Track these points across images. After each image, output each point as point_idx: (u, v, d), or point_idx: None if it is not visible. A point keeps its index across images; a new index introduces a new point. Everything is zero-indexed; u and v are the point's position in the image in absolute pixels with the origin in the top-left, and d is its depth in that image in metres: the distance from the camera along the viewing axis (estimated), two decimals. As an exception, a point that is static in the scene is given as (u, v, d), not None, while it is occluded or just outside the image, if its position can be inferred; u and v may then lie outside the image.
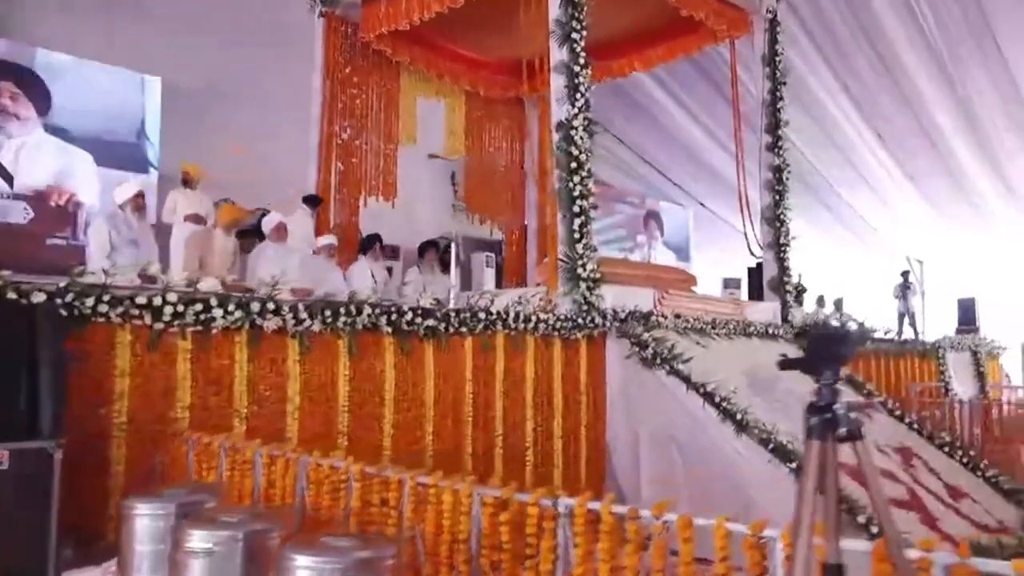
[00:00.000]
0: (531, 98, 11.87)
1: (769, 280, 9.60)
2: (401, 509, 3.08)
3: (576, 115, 7.05)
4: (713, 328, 8.01)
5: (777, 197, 9.60)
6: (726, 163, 12.70)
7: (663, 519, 2.45)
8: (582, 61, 7.15)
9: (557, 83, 7.17)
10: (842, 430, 1.75)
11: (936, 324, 17.35)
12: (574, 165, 6.98)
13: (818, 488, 1.73)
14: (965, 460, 7.82)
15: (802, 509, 1.70)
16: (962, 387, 10.82)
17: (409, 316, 5.38)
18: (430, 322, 5.49)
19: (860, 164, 14.82)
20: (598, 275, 7.02)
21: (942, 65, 12.02)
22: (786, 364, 1.87)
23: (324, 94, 9.56)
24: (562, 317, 6.53)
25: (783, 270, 9.53)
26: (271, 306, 4.69)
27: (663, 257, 17.71)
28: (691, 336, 7.65)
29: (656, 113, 14.85)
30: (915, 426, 8.14)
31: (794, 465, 5.89)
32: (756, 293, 15.14)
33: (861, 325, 12.31)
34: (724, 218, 17.08)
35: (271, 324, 4.70)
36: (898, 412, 8.26)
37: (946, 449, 7.93)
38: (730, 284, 16.75)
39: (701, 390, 6.44)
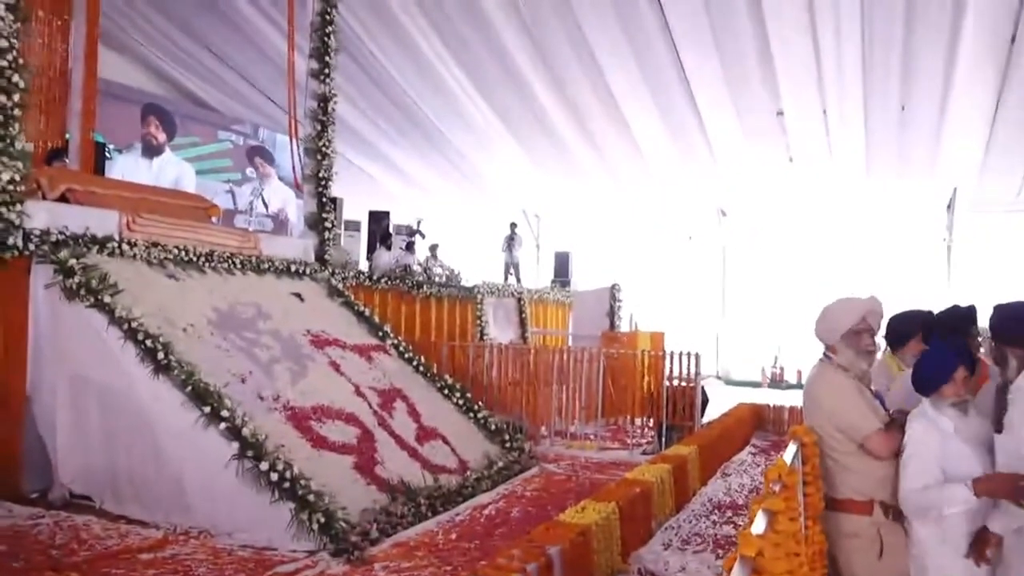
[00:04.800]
0: (84, -9, 10.22)
1: (307, 215, 9.01)
2: None
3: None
4: (208, 261, 7.22)
5: (320, 128, 9.00)
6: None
7: None
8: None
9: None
10: None
11: (547, 275, 18.38)
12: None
13: None
14: (460, 402, 7.87)
15: None
16: (501, 331, 11.23)
17: None
18: None
19: (464, 112, 14.90)
20: (18, 188, 5.84)
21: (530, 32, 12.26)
22: None
23: None
24: (-57, 234, 5.30)
25: (322, 205, 8.98)
26: None
27: (282, 194, 16.72)
28: (167, 268, 6.80)
29: (260, 42, 13.67)
30: (421, 368, 8.06)
31: (208, 410, 5.29)
32: (373, 238, 14.82)
33: (451, 272, 12.39)
34: (343, 155, 16.49)
35: None
36: (408, 355, 8.14)
37: (445, 391, 7.94)
38: (349, 227, 16.27)
39: (125, 326, 5.60)
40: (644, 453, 8.49)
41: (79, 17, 10.25)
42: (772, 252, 18.66)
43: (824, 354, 3.13)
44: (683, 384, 8.75)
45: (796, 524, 1.93)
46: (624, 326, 12.78)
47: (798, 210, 17.79)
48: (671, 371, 8.83)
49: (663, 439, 8.57)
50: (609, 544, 4.43)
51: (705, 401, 9.06)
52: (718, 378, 18.29)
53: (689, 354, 8.81)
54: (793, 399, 11.62)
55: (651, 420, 9.38)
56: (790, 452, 2.49)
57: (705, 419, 9.19)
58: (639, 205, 18.03)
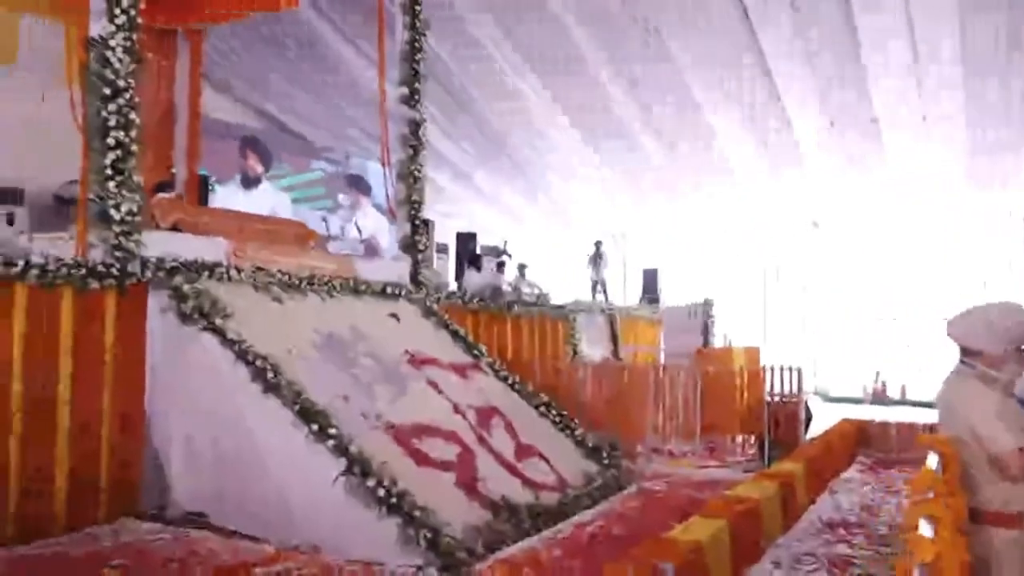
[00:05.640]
0: (184, 31, 10.77)
1: (401, 238, 9.19)
2: None
3: (115, 33, 6.10)
4: (309, 284, 7.44)
5: (412, 152, 9.19)
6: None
7: None
8: (126, -29, 6.20)
9: (97, -6, 6.18)
10: None
11: (635, 293, 18.21)
12: (109, 91, 6.04)
13: None
14: (557, 419, 7.85)
15: None
16: (593, 349, 11.15)
17: None
18: None
19: (548, 135, 14.99)
20: (136, 218, 6.16)
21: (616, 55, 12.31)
22: None
23: None
24: (70, 264, 5.62)
25: (415, 228, 9.15)
26: None
27: (373, 220, 17.12)
28: (272, 291, 7.03)
29: (350, 70, 14.11)
30: (516, 386, 8.08)
31: (316, 427, 5.43)
32: (461, 260, 15.02)
33: (540, 291, 12.45)
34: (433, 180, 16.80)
35: None
36: (503, 373, 8.17)
37: (541, 409, 7.93)
38: (440, 250, 16.51)
39: (236, 347, 5.81)
40: (746, 471, 8.26)
41: (183, 59, 10.82)
42: (869, 263, 18.00)
43: (962, 361, 2.96)
44: (785, 400, 8.50)
45: (955, 533, 1.84)
46: (717, 342, 12.52)
47: (896, 220, 17.14)
48: (772, 387, 8.61)
49: (765, 456, 8.33)
50: (721, 562, 4.31)
51: (809, 417, 8.78)
52: (815, 394, 17.69)
53: (791, 369, 8.56)
54: (898, 415, 11.16)
55: (751, 437, 9.14)
56: (933, 461, 2.38)
57: (808, 436, 8.89)
58: (727, 219, 17.71)
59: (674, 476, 8.13)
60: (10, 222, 10.59)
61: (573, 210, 18.65)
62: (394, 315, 8.09)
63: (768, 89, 12.58)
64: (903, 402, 17.01)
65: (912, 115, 12.68)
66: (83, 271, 5.68)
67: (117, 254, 6.02)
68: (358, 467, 5.25)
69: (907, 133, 13.27)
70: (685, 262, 18.45)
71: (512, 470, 6.48)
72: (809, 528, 6.08)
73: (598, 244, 16.43)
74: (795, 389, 8.54)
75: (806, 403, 8.83)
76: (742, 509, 5.03)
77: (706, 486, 7.66)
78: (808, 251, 18.31)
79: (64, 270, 5.57)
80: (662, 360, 12.63)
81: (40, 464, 5.44)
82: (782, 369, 8.66)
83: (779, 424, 8.38)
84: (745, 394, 9.74)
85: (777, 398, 8.61)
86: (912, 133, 13.26)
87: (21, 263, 5.30)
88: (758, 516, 5.29)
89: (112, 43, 6.07)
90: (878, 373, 17.96)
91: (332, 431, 5.42)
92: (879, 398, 17.49)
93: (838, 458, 8.50)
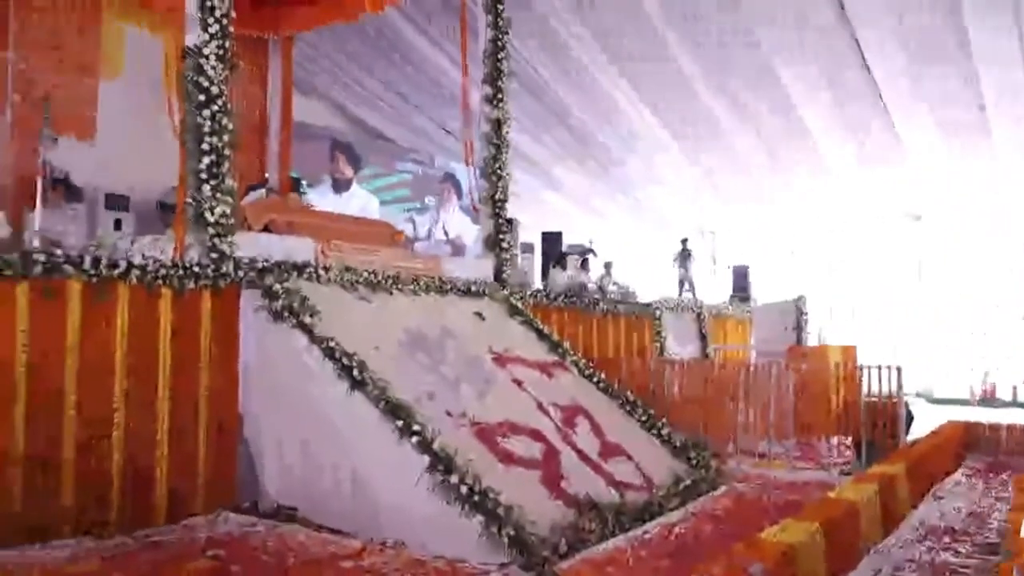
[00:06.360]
0: (275, 39, 11.10)
1: (485, 237, 9.22)
2: None
3: (208, 42, 6.32)
4: (396, 284, 7.54)
5: (495, 151, 9.21)
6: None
7: None
8: (217, -20, 6.42)
9: (191, 5, 6.41)
10: None
11: (725, 291, 17.82)
12: (203, 98, 6.27)
13: None
14: (643, 418, 7.73)
15: None
16: (681, 347, 10.92)
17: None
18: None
19: (637, 133, 14.82)
20: (230, 220, 6.36)
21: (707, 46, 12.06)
22: None
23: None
24: (168, 264, 5.85)
25: (499, 227, 9.17)
26: None
27: (459, 220, 17.32)
28: (360, 290, 7.16)
29: (438, 76, 14.29)
30: (601, 385, 7.99)
31: (401, 424, 5.49)
32: (546, 259, 15.02)
33: (626, 289, 12.32)
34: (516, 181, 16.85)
35: None
36: (588, 371, 8.10)
37: (627, 408, 7.82)
38: (526, 249, 16.55)
39: (323, 345, 5.93)
40: (842, 473, 7.95)
41: (274, 65, 11.14)
42: (975, 258, 17.07)
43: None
44: (884, 400, 8.13)
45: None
46: (811, 340, 12.10)
47: (1005, 212, 16.19)
48: (869, 387, 8.24)
49: (862, 458, 7.99)
50: (815, 566, 4.14)
51: (909, 419, 8.37)
52: (918, 396, 16.90)
53: (890, 368, 8.18)
54: (1010, 418, 10.54)
55: (847, 439, 8.78)
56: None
57: (909, 438, 8.49)
58: (823, 215, 17.11)
59: (766, 477, 7.89)
60: (117, 227, 11.18)
61: (661, 208, 18.38)
62: (479, 313, 8.12)
63: (865, 81, 12.08)
64: (1015, 404, 16.09)
65: (1021, 104, 11.96)
66: (180, 272, 5.90)
67: (212, 255, 6.24)
68: (442, 464, 5.27)
69: (1015, 122, 12.52)
70: (777, 259, 17.92)
71: (597, 469, 6.40)
72: (912, 535, 5.79)
73: (684, 242, 16.14)
74: (894, 389, 8.15)
75: (906, 404, 8.42)
76: (838, 512, 4.83)
77: (799, 488, 7.41)
78: (910, 246, 17.50)
79: (162, 271, 5.79)
80: (753, 358, 12.28)
81: (141, 458, 5.68)
82: (880, 368, 8.28)
83: (876, 425, 8.02)
84: (841, 393, 9.38)
85: (875, 398, 8.24)
86: (1020, 122, 12.51)
87: (124, 264, 5.54)
88: (855, 519, 5.07)
89: (206, 51, 6.29)
90: (987, 373, 17.04)
91: (417, 428, 5.47)
92: (988, 400, 16.60)
93: (943, 461, 8.09)
